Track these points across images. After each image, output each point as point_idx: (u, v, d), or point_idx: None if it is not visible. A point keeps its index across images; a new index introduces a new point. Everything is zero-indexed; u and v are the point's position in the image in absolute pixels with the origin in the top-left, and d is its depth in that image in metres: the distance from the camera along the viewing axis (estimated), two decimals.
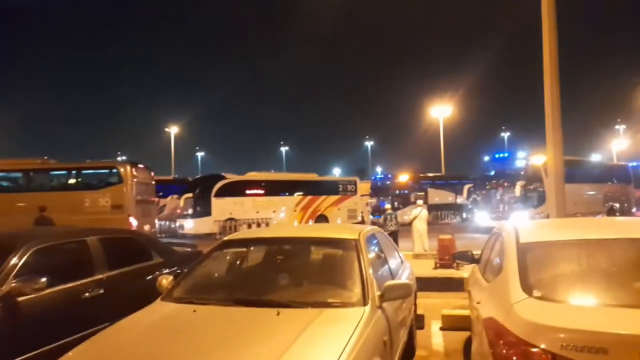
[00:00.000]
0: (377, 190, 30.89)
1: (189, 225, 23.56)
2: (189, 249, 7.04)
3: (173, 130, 50.45)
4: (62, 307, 4.08)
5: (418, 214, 13.79)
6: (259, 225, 23.40)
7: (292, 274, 3.84)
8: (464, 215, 30.19)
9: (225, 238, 4.58)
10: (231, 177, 24.75)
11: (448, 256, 9.80)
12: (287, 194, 26.16)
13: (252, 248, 4.48)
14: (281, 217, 25.20)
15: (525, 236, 3.48)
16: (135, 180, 15.73)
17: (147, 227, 16.35)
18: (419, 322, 5.68)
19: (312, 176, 28.47)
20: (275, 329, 2.84)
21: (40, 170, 16.51)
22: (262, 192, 25.20)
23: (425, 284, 7.44)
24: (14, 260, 3.85)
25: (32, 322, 3.79)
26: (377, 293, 3.33)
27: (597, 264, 3.15)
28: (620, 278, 2.93)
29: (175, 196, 27.10)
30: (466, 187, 31.01)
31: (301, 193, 26.43)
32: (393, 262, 4.82)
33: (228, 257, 4.42)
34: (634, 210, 25.53)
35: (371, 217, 27.69)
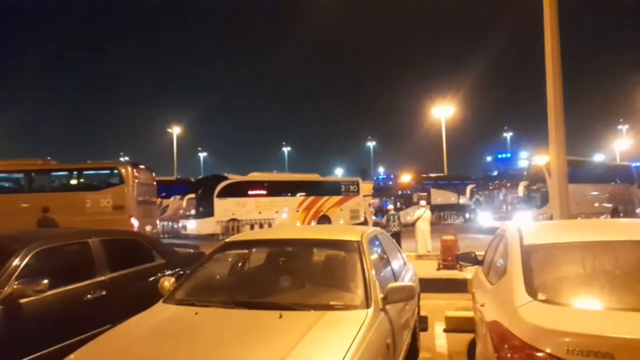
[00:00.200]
0: (380, 191, 30.84)
1: (192, 225, 23.56)
2: (191, 250, 7.01)
3: (175, 130, 50.50)
4: (64, 309, 4.07)
5: (421, 215, 13.74)
6: (261, 226, 23.38)
7: (295, 276, 3.82)
8: (467, 215, 30.15)
9: (227, 239, 4.57)
10: (234, 178, 24.76)
11: (451, 257, 9.77)
12: (289, 194, 26.15)
13: (254, 250, 4.47)
14: (284, 218, 25.19)
15: (530, 238, 3.45)
16: (136, 180, 15.75)
17: (148, 228, 16.36)
18: (422, 324, 5.65)
19: (315, 177, 28.46)
20: (278, 331, 2.82)
21: (41, 171, 16.54)
22: (264, 192, 25.19)
23: (429, 285, 7.41)
24: (15, 262, 3.85)
25: (34, 324, 3.79)
26: (380, 295, 3.30)
27: (603, 267, 3.12)
28: (626, 281, 2.89)
29: (178, 197, 27.11)
30: (469, 187, 30.97)
31: (303, 194, 26.41)
32: (396, 264, 4.79)
33: (230, 259, 4.40)
34: (638, 210, 25.41)
35: (374, 217, 27.65)
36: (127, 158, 39.08)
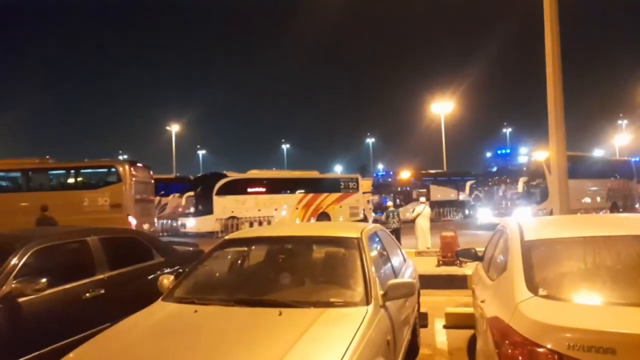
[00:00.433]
0: (379, 188, 30.84)
1: (191, 223, 23.57)
2: (190, 248, 7.00)
3: (174, 128, 50.48)
4: (63, 308, 4.05)
5: (421, 211, 13.74)
6: (260, 223, 23.38)
7: (294, 273, 3.81)
8: (467, 212, 30.15)
9: (226, 237, 4.56)
10: (233, 175, 24.75)
11: (451, 253, 9.77)
12: (288, 191, 26.15)
13: (253, 247, 4.46)
14: (283, 215, 25.20)
15: (530, 233, 3.43)
16: (134, 179, 15.74)
17: (146, 226, 16.37)
18: (422, 320, 5.64)
19: (314, 174, 28.45)
20: (278, 329, 2.81)
21: (38, 170, 16.52)
22: (263, 190, 25.19)
23: (429, 282, 7.42)
24: (14, 261, 3.83)
25: (32, 323, 3.77)
26: (380, 292, 3.29)
27: (604, 262, 3.10)
28: (627, 276, 2.88)
29: (177, 195, 27.10)
30: (468, 183, 30.96)
31: (303, 191, 26.41)
32: (396, 260, 4.78)
33: (229, 257, 4.39)
34: (637, 205, 25.45)
35: (373, 214, 27.65)
36: (126, 156, 39.01)
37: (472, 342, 4.92)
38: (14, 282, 3.70)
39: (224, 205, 23.34)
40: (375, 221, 20.28)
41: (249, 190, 24.72)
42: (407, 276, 4.73)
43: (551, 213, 10.78)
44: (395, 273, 4.39)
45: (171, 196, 27.20)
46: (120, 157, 33.57)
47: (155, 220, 19.54)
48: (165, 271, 5.16)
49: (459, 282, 8.09)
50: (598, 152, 37.70)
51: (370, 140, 74.09)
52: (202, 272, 3.99)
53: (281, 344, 2.54)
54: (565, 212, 8.87)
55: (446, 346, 5.41)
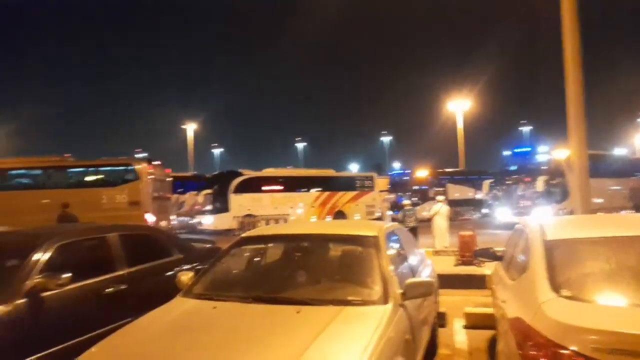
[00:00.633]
0: (396, 186, 30.70)
1: (208, 221, 23.78)
2: (207, 245, 7.05)
3: (191, 127, 50.87)
4: (85, 303, 4.12)
5: (438, 210, 13.62)
6: (277, 221, 23.46)
7: (311, 271, 3.81)
8: (484, 211, 29.81)
9: (243, 235, 4.58)
10: (249, 174, 24.89)
11: (469, 253, 9.67)
12: (304, 190, 26.19)
13: (270, 245, 4.47)
14: (299, 213, 25.24)
15: (552, 233, 3.38)
16: (151, 177, 15.94)
17: (163, 223, 16.55)
18: (440, 320, 5.60)
19: (330, 172, 28.45)
20: (296, 326, 2.81)
21: (57, 168, 16.80)
22: (279, 188, 25.28)
23: (447, 281, 7.35)
24: (37, 257, 3.90)
25: (55, 317, 3.83)
26: (399, 291, 3.27)
27: (627, 262, 3.03)
28: None
29: (194, 192, 27.36)
30: (487, 182, 30.60)
31: (319, 189, 26.43)
32: (414, 259, 4.75)
33: (247, 254, 4.41)
34: None
35: (389, 213, 27.53)
36: (145, 154, 39.44)
37: (492, 342, 4.86)
38: (38, 277, 3.76)
39: (240, 203, 23.50)
40: (391, 220, 20.20)
41: (265, 188, 24.83)
42: (425, 275, 4.69)
43: (572, 212, 10.61)
44: (413, 272, 4.36)
45: (188, 194, 27.47)
46: (138, 155, 33.89)
47: (174, 217, 19.73)
48: (184, 268, 5.21)
49: (478, 282, 7.99)
50: (619, 151, 36.92)
51: (385, 139, 73.82)
52: (220, 269, 4.02)
53: (300, 341, 2.54)
54: (586, 212, 8.72)
55: (466, 346, 5.35)
